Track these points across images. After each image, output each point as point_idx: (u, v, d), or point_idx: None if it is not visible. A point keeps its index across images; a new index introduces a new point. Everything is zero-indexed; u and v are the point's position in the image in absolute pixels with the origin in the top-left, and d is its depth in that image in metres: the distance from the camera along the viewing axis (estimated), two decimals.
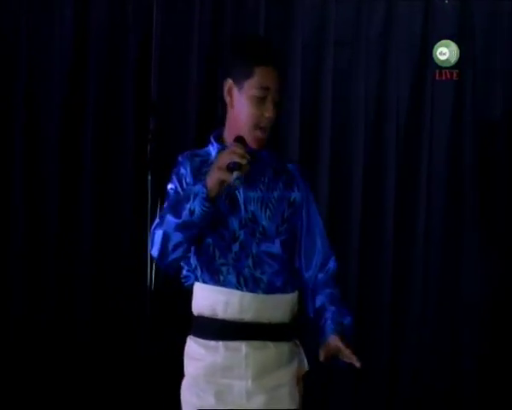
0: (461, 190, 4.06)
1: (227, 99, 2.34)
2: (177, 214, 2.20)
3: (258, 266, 2.28)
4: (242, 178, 2.17)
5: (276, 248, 2.31)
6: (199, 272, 2.30)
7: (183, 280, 2.37)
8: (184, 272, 2.36)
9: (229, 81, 2.32)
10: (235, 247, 2.27)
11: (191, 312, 2.34)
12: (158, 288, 3.89)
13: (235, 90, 2.31)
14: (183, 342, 3.82)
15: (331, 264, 2.40)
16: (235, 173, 2.15)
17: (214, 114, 3.97)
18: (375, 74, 4.09)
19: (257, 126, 2.28)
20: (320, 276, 2.38)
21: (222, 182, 2.17)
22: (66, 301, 3.91)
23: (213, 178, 2.18)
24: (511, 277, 4.04)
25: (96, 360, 3.89)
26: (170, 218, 2.22)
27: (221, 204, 2.26)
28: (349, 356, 2.21)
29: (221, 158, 2.19)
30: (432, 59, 4.00)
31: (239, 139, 2.25)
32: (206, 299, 2.28)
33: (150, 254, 2.32)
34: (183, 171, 2.34)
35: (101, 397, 3.89)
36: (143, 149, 3.86)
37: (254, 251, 2.28)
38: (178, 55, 3.97)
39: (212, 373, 2.25)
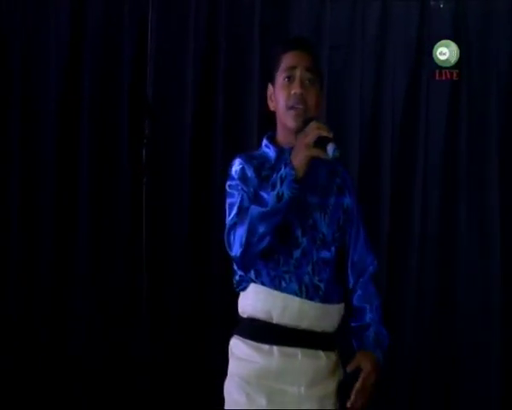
0: (456, 190, 4.07)
1: (270, 104, 2.37)
2: (263, 203, 2.16)
3: (317, 273, 2.28)
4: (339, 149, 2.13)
5: (331, 254, 2.32)
6: (258, 275, 2.28)
7: (235, 285, 2.36)
8: (237, 277, 2.34)
9: (270, 86, 2.37)
10: (297, 253, 2.27)
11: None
12: (154, 289, 3.91)
13: (273, 90, 2.36)
14: (180, 343, 3.87)
15: (370, 266, 2.43)
16: (331, 145, 2.12)
17: (210, 116, 3.97)
18: (371, 75, 4.09)
19: (288, 106, 2.28)
20: (360, 278, 2.41)
21: (310, 160, 2.15)
22: (62, 302, 3.90)
23: (301, 156, 2.15)
24: (508, 274, 4.05)
25: (92, 360, 3.89)
26: (254, 209, 2.17)
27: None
28: (354, 393, 2.26)
29: (306, 136, 2.16)
30: (427, 60, 4.01)
31: (311, 119, 2.23)
32: (262, 302, 2.27)
33: (232, 256, 2.26)
34: (245, 169, 2.31)
35: (98, 398, 3.89)
36: (139, 153, 3.86)
37: (315, 258, 2.28)
38: (174, 57, 3.97)
39: (265, 376, 2.25)
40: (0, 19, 3.90)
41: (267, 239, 2.18)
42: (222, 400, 2.39)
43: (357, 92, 4.05)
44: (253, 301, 2.29)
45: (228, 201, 2.31)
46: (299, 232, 2.27)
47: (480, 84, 4.08)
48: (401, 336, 4.04)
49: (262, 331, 2.27)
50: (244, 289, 2.32)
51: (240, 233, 2.19)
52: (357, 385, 2.26)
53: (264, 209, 2.15)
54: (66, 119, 3.93)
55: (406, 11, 4.11)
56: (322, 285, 2.28)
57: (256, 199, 2.19)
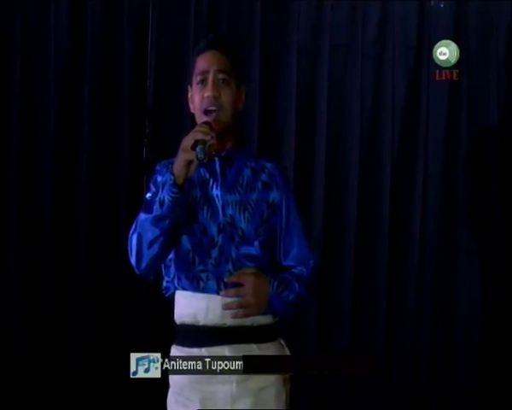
0: (456, 192, 4.07)
1: (191, 106, 2.34)
2: (149, 210, 2.19)
3: (239, 270, 2.25)
4: (206, 152, 2.12)
5: (255, 249, 2.28)
6: (178, 280, 2.28)
7: (163, 292, 2.35)
8: (164, 283, 2.34)
9: (189, 88, 2.34)
10: (214, 252, 2.25)
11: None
12: (154, 289, 3.90)
13: (191, 93, 2.33)
14: None
15: (310, 263, 2.35)
16: (198, 147, 2.12)
17: None
18: (371, 75, 4.10)
19: (202, 110, 2.26)
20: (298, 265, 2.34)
21: (188, 163, 2.15)
22: (61, 303, 3.91)
23: (179, 161, 2.16)
24: (508, 275, 4.05)
25: (92, 360, 3.90)
26: (142, 216, 2.20)
27: (197, 205, 2.26)
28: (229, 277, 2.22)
29: (185, 139, 2.16)
30: (427, 60, 4.01)
31: (205, 123, 2.22)
32: (187, 306, 2.27)
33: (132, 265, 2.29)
34: (159, 179, 2.30)
35: (98, 397, 3.89)
36: (139, 153, 3.86)
37: (234, 255, 2.26)
38: (174, 57, 3.98)
39: (196, 381, 2.23)
40: (0, 19, 3.90)
41: (159, 242, 2.20)
42: None
43: (357, 92, 4.05)
44: (181, 306, 2.30)
45: None
46: (214, 231, 2.26)
47: (480, 84, 4.08)
48: (401, 337, 4.04)
49: (191, 336, 2.27)
50: (172, 295, 2.33)
51: (133, 241, 2.22)
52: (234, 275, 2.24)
53: (148, 216, 2.18)
54: (67, 119, 3.93)
55: (406, 11, 4.12)
56: None
57: (146, 206, 2.21)
